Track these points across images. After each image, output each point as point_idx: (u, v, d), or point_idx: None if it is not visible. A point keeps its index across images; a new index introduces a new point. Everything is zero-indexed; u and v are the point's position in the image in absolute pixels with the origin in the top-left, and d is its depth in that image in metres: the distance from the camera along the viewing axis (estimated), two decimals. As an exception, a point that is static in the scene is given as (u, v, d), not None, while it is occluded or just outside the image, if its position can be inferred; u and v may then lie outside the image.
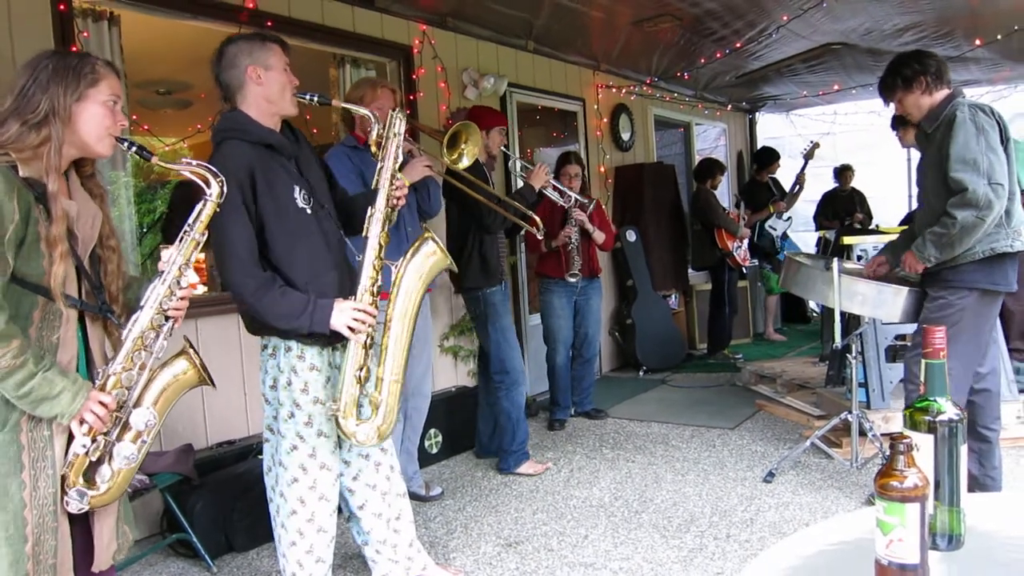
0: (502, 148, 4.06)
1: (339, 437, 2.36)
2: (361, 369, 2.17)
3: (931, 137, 2.99)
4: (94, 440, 1.65)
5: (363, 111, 2.44)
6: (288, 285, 2.18)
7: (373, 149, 2.35)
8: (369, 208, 2.25)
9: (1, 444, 1.56)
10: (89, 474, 1.67)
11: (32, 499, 1.57)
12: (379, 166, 2.30)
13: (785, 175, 7.26)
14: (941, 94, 2.98)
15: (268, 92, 2.21)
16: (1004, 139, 2.90)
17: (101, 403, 1.64)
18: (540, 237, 4.12)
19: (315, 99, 2.28)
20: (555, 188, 4.41)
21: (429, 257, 2.29)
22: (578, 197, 4.55)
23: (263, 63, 2.20)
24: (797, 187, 6.88)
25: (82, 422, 1.63)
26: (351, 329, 2.15)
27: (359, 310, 2.16)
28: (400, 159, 2.35)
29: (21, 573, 1.55)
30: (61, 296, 1.60)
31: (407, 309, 2.25)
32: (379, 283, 2.23)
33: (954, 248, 2.87)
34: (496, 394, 3.92)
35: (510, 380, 3.88)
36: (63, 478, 1.64)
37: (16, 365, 1.51)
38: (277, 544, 2.37)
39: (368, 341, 2.19)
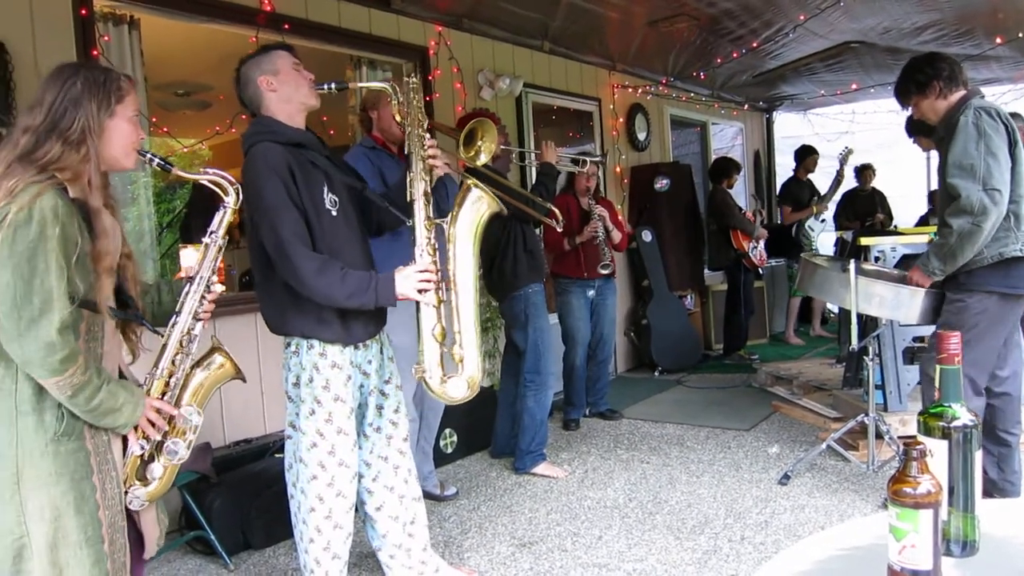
0: (504, 146, 4.07)
1: (358, 436, 2.40)
2: (435, 328, 2.22)
3: (944, 141, 2.97)
4: (148, 441, 1.76)
5: (379, 85, 2.51)
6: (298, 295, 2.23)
7: (397, 118, 2.40)
8: (408, 173, 2.31)
9: (72, 451, 1.61)
10: (140, 472, 1.76)
11: (103, 500, 1.65)
12: (407, 131, 2.36)
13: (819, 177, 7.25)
14: (956, 96, 2.95)
15: (284, 93, 2.28)
16: (1012, 142, 2.85)
17: (157, 409, 1.74)
18: (560, 229, 4.12)
19: (333, 87, 2.37)
20: (570, 160, 4.42)
21: (477, 203, 2.30)
22: (592, 159, 4.51)
23: (271, 70, 2.27)
24: (832, 192, 6.85)
25: (136, 428, 1.72)
26: (420, 292, 2.20)
27: (422, 271, 2.20)
28: (426, 121, 2.39)
29: (103, 573, 1.63)
30: (107, 310, 1.67)
31: (466, 261, 2.28)
32: (433, 241, 2.26)
33: (956, 258, 2.84)
34: (525, 394, 3.92)
35: (541, 381, 3.89)
36: (123, 479, 1.73)
37: (85, 381, 1.58)
38: (298, 540, 2.40)
39: (437, 299, 2.22)
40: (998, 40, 5.85)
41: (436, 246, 2.26)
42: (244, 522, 3.16)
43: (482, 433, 4.34)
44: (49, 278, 1.52)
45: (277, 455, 3.44)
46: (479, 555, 3.03)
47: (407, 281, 2.19)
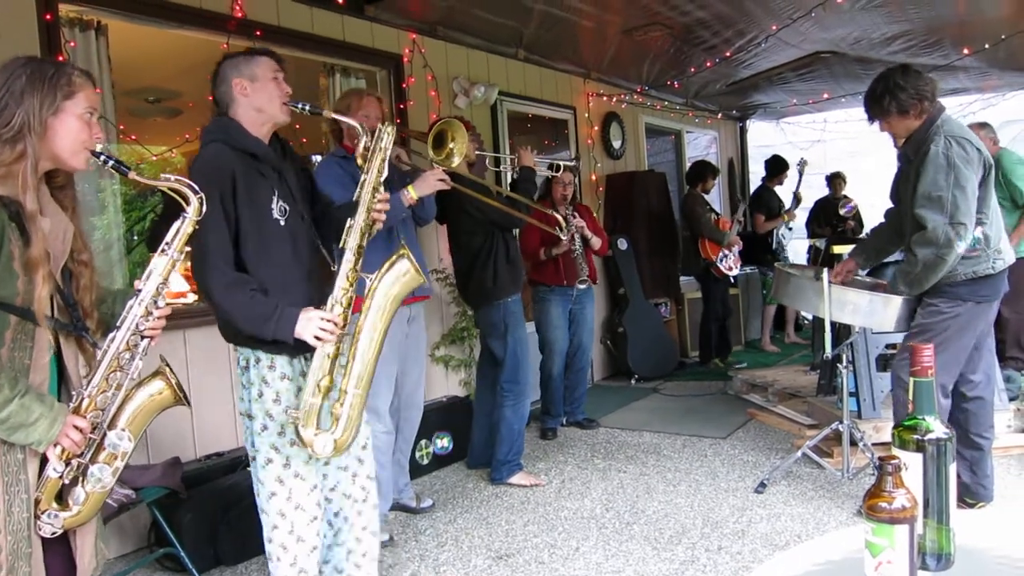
0: (478, 151, 4.05)
1: None
2: (323, 379, 2.15)
3: (912, 162, 2.99)
4: (67, 463, 1.61)
5: (352, 122, 2.42)
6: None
7: (359, 162, 2.33)
8: (349, 220, 2.23)
9: None
10: (62, 496, 1.63)
11: (6, 525, 1.52)
12: (362, 179, 2.29)
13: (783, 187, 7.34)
14: (926, 115, 2.95)
15: (255, 102, 2.24)
16: (987, 166, 2.88)
17: (77, 427, 1.60)
18: (564, 238, 4.28)
19: (306, 108, 2.31)
20: (548, 165, 4.43)
21: (402, 276, 2.24)
22: (565, 163, 4.52)
23: (248, 75, 2.23)
24: (795, 204, 6.92)
25: (57, 446, 1.58)
26: (317, 338, 2.13)
27: (326, 319, 2.13)
28: (385, 173, 2.32)
29: None
30: (45, 319, 1.56)
31: (376, 324, 2.21)
32: (351, 295, 2.19)
33: (922, 283, 2.92)
34: (502, 404, 3.89)
35: (519, 391, 3.87)
36: (36, 502, 1.59)
37: None
38: (268, 558, 2.35)
39: (334, 352, 2.16)
40: (965, 51, 5.95)
41: (352, 298, 2.19)
42: (215, 538, 3.10)
43: (458, 444, 4.31)
44: None
45: (248, 469, 3.38)
46: (455, 569, 3.00)
47: (309, 324, 2.12)
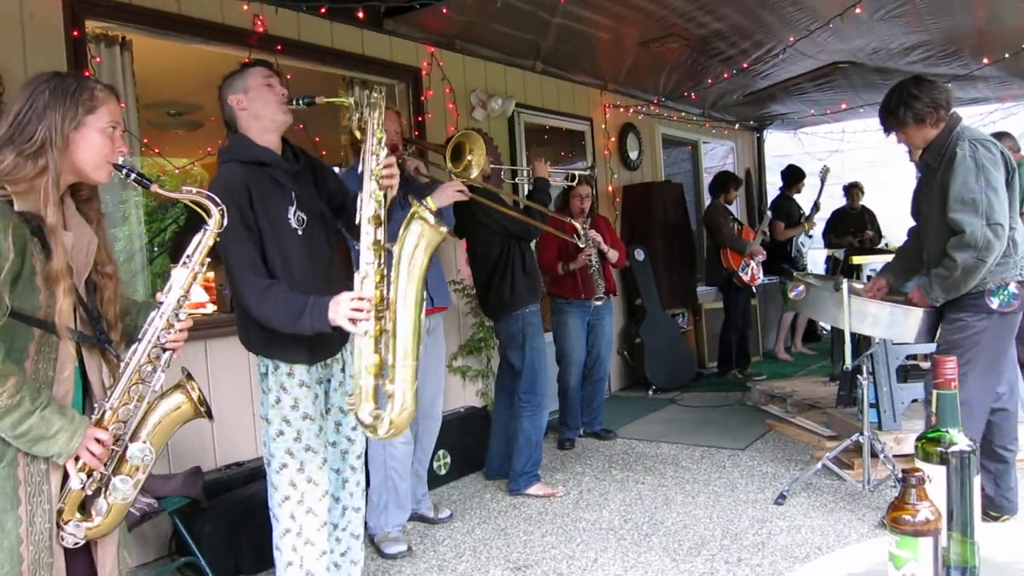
0: (493, 164, 4.08)
1: (327, 455, 2.39)
2: (370, 360, 2.09)
3: (935, 171, 2.98)
4: (89, 475, 1.62)
5: (342, 100, 2.39)
6: None
7: (356, 134, 2.33)
8: (358, 194, 2.19)
9: None
10: (84, 507, 1.64)
11: (28, 535, 1.53)
12: (362, 146, 2.24)
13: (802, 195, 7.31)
14: (944, 123, 2.95)
15: (253, 111, 2.30)
16: (1009, 170, 2.87)
17: (98, 440, 1.61)
18: (582, 246, 4.32)
19: (302, 102, 2.33)
20: (562, 177, 4.46)
21: (421, 238, 2.11)
22: (579, 172, 4.55)
23: (242, 88, 2.30)
24: (814, 211, 6.90)
25: (78, 459, 1.59)
26: (352, 321, 2.08)
27: (357, 298, 2.09)
28: (383, 136, 2.23)
29: None
30: (67, 331, 1.57)
31: (408, 293, 2.10)
32: (382, 268, 2.13)
33: (959, 288, 2.88)
34: (520, 415, 3.90)
35: (537, 401, 3.88)
36: (59, 512, 1.60)
37: (12, 404, 1.47)
38: (276, 564, 2.37)
39: (376, 330, 2.10)
40: (985, 60, 5.92)
41: (384, 272, 2.13)
42: (235, 547, 3.12)
43: (476, 454, 4.31)
44: None
45: (269, 478, 3.41)
46: (473, 579, 3.00)
47: (340, 308, 2.08)
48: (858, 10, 4.52)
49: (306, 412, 2.30)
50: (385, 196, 2.19)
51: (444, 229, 2.12)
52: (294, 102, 2.33)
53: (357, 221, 2.16)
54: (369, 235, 2.13)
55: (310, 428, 2.30)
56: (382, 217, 2.15)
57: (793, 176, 7.17)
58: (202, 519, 3.06)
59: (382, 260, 2.13)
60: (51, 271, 1.53)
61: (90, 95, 1.64)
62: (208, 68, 4.34)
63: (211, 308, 5.45)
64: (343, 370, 2.47)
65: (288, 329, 2.16)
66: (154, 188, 1.72)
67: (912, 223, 3.39)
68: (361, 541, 2.61)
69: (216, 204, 1.76)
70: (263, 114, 2.30)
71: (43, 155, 1.56)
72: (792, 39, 5.23)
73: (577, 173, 4.50)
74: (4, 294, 1.47)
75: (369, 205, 2.15)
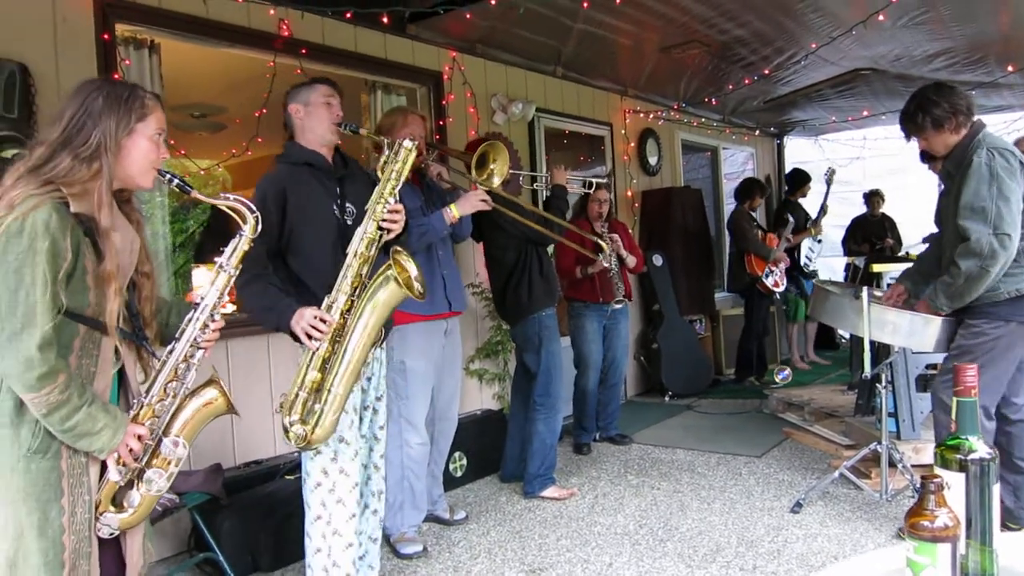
0: (512, 170, 4.09)
1: (359, 447, 2.51)
2: (310, 375, 2.24)
3: (954, 178, 2.97)
4: (126, 467, 1.69)
5: (378, 138, 2.62)
6: (306, 288, 2.39)
7: (378, 173, 2.48)
8: (359, 228, 2.35)
9: (43, 471, 1.57)
10: (117, 498, 1.70)
11: (70, 525, 1.59)
12: (376, 189, 2.39)
13: (809, 200, 7.26)
14: (965, 129, 2.95)
15: (308, 124, 2.53)
16: None
17: (137, 436, 1.68)
18: (606, 264, 4.43)
19: (348, 128, 2.58)
20: (581, 183, 4.54)
21: (390, 293, 2.29)
22: (597, 179, 4.63)
23: (303, 101, 2.53)
24: (821, 214, 6.85)
25: (115, 453, 1.66)
26: (307, 335, 2.24)
27: (318, 317, 2.24)
28: (397, 185, 2.40)
29: None
30: (115, 331, 1.63)
31: (367, 327, 2.27)
32: (352, 299, 2.28)
33: (964, 297, 2.87)
34: (535, 418, 3.91)
35: (551, 404, 3.89)
36: (96, 504, 1.66)
37: (62, 400, 1.53)
38: (306, 550, 2.46)
39: (326, 351, 2.25)
40: (1010, 68, 5.86)
41: (352, 303, 2.27)
42: (254, 544, 3.15)
43: (492, 457, 4.33)
44: (35, 292, 1.49)
45: (287, 477, 3.44)
46: (488, 581, 3.01)
47: (301, 320, 2.24)
48: (881, 17, 4.50)
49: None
50: (380, 238, 2.35)
51: (406, 291, 2.28)
52: (343, 126, 2.55)
53: (346, 251, 2.33)
54: (352, 268, 2.29)
55: (344, 420, 2.37)
56: (370, 256, 2.31)
57: (798, 180, 7.12)
58: (221, 516, 3.10)
59: (356, 293, 2.28)
60: (104, 272, 1.60)
61: (141, 103, 1.71)
62: (232, 71, 4.43)
63: (231, 308, 5.51)
64: (380, 368, 2.63)
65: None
66: (194, 194, 1.82)
67: (934, 230, 3.38)
68: (379, 545, 2.65)
69: (251, 211, 1.83)
70: (316, 129, 2.52)
71: (98, 159, 1.62)
72: (814, 46, 5.21)
73: (595, 180, 4.53)
74: (60, 292, 1.54)
75: (358, 242, 2.31)
